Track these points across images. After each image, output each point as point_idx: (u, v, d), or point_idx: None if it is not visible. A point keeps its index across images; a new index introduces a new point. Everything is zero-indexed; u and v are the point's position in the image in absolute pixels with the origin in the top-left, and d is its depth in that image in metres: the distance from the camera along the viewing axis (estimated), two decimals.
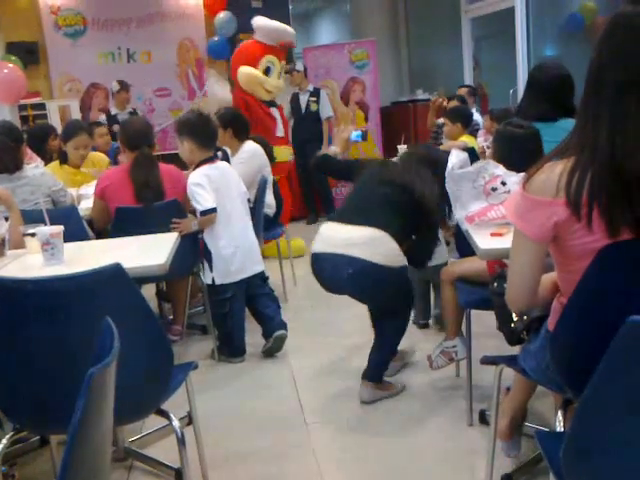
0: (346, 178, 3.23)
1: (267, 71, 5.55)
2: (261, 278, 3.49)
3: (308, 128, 6.93)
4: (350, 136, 3.22)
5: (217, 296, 3.34)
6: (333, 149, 3.15)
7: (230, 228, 3.28)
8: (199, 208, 3.17)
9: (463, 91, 6.11)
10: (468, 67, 7.71)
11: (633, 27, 1.33)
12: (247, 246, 3.36)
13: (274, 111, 5.69)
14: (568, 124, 2.16)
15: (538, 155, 2.34)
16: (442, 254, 3.20)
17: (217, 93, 7.14)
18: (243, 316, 3.44)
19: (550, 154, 1.42)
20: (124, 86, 6.57)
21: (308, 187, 7.09)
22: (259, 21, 5.69)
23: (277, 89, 5.64)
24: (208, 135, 3.29)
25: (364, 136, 3.34)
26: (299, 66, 7.05)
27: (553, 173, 1.36)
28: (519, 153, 2.33)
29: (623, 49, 1.34)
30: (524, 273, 1.50)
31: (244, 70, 5.49)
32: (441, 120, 5.87)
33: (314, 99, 6.99)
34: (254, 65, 5.51)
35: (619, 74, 1.33)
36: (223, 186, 3.26)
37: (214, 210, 3.17)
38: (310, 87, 6.99)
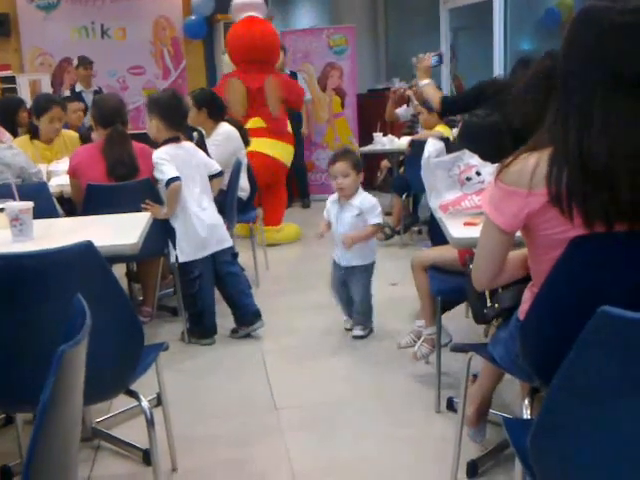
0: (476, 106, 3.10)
1: None
2: (231, 254, 3.49)
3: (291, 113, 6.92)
4: (431, 63, 3.43)
5: (185, 276, 3.33)
6: (424, 82, 3.44)
7: (190, 207, 3.26)
8: (163, 178, 3.16)
9: None
10: (445, 58, 7.71)
11: (597, 24, 1.33)
12: (209, 224, 3.33)
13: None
14: None
15: (503, 144, 2.37)
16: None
17: None
18: (213, 296, 3.43)
19: (524, 147, 1.43)
20: (82, 62, 6.38)
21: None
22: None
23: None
24: (177, 116, 3.27)
25: (441, 59, 3.56)
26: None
27: (527, 164, 1.38)
28: (484, 143, 2.35)
29: (588, 47, 1.34)
30: (489, 258, 1.54)
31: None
32: (416, 106, 5.89)
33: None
34: None
35: (585, 73, 1.34)
36: (185, 166, 3.24)
37: (178, 179, 3.15)
38: (287, 70, 6.94)
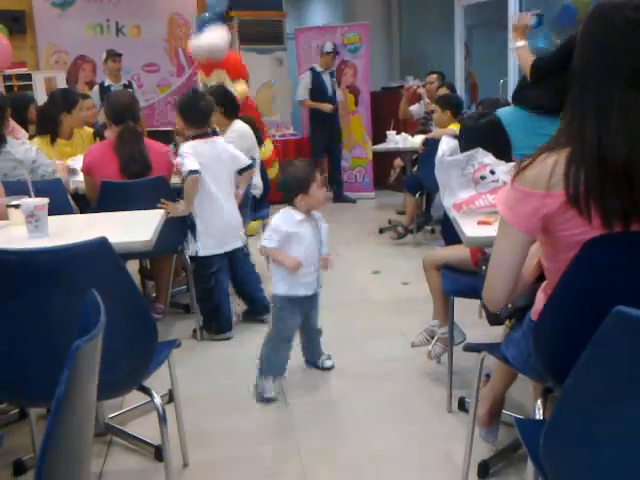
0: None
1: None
2: (244, 254, 3.54)
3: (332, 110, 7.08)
4: (531, 22, 3.26)
5: (203, 270, 3.37)
6: (519, 44, 3.19)
7: (213, 202, 3.31)
8: (184, 170, 3.20)
9: (433, 77, 6.12)
10: (459, 55, 7.69)
11: (611, 21, 1.33)
12: (230, 221, 3.40)
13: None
14: None
15: (502, 143, 2.37)
16: None
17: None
18: (228, 292, 3.47)
19: (542, 148, 1.42)
20: (110, 54, 6.40)
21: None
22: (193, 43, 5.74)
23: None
24: (196, 114, 3.31)
25: (541, 21, 3.39)
26: (328, 47, 7.07)
27: (545, 166, 1.36)
28: (484, 143, 2.35)
29: (603, 45, 1.33)
30: (506, 265, 1.48)
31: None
32: (427, 104, 5.88)
33: (334, 80, 7.19)
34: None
35: (601, 71, 1.33)
36: (209, 161, 3.27)
37: (197, 172, 3.19)
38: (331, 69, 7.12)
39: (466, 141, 2.42)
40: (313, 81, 7.07)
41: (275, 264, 2.72)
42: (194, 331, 3.44)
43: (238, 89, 5.41)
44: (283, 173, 2.74)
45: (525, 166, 1.40)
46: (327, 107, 7.04)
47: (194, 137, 3.30)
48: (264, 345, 2.78)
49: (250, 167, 3.53)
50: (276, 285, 2.73)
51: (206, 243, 3.33)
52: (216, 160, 3.31)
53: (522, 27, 3.26)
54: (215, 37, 5.67)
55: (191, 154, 3.21)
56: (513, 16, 3.38)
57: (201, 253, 3.33)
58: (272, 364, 2.75)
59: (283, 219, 2.68)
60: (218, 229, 3.35)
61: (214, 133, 3.96)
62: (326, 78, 7.10)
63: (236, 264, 3.48)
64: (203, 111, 3.34)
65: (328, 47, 7.09)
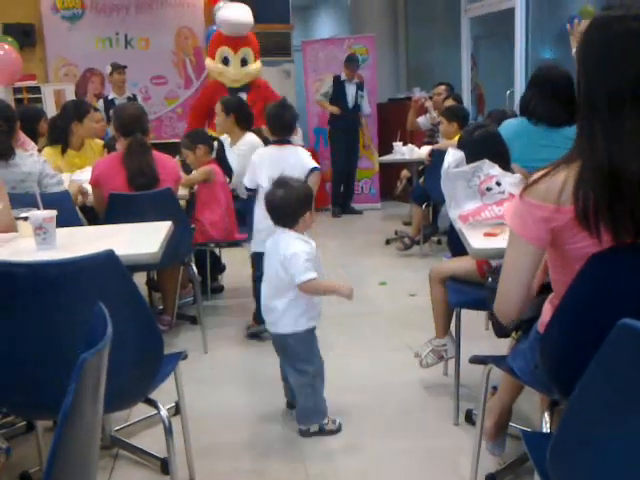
0: None
1: (226, 61, 5.98)
2: None
3: (352, 121, 7.17)
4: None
5: (254, 265, 3.48)
6: None
7: None
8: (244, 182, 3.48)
9: (441, 89, 6.14)
10: (466, 66, 7.71)
11: (613, 32, 1.32)
12: None
13: (243, 95, 5.74)
14: (570, 132, 2.18)
15: (497, 154, 2.39)
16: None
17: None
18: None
19: (554, 163, 1.41)
20: (115, 67, 6.49)
21: (339, 179, 7.34)
22: (219, 10, 6.01)
23: (235, 81, 5.98)
24: (279, 124, 3.48)
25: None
26: (348, 56, 7.13)
27: (555, 181, 1.36)
28: (478, 155, 2.36)
29: (607, 57, 1.32)
30: (516, 277, 1.49)
31: (207, 62, 6.25)
32: (435, 117, 5.89)
33: (362, 93, 7.19)
34: (213, 56, 6.08)
35: (606, 84, 1.32)
36: (272, 165, 3.33)
37: (250, 190, 3.43)
38: (356, 80, 7.11)
39: (465, 153, 2.45)
40: (334, 88, 7.08)
41: (303, 297, 2.45)
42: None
43: (258, 67, 5.96)
44: (280, 194, 2.46)
45: (535, 181, 1.40)
46: (333, 109, 7.08)
47: (271, 142, 3.53)
48: (305, 396, 2.51)
49: (316, 169, 3.54)
50: (296, 322, 2.46)
51: (257, 242, 3.39)
52: (279, 164, 3.35)
53: (580, 32, 3.29)
54: (242, 12, 5.93)
55: (253, 163, 3.41)
56: (568, 25, 3.38)
57: (252, 249, 3.45)
58: (320, 407, 2.54)
59: (302, 246, 2.43)
60: (266, 231, 3.35)
61: (221, 144, 4.01)
62: (350, 88, 7.09)
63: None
64: (287, 122, 3.50)
65: (348, 57, 7.13)
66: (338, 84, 7.09)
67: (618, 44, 1.31)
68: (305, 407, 2.53)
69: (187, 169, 3.89)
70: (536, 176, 1.41)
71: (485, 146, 2.46)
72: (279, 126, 3.48)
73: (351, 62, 7.08)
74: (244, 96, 5.75)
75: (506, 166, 2.39)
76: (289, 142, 3.59)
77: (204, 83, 7.71)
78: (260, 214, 3.25)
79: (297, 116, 3.58)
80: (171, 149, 3.63)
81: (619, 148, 1.30)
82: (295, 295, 2.44)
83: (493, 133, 2.56)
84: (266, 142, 4.36)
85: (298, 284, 2.39)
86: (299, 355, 2.50)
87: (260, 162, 3.37)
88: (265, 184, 3.22)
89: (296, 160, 3.42)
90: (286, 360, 2.56)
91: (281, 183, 2.51)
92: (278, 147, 3.44)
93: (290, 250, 2.41)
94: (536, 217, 1.39)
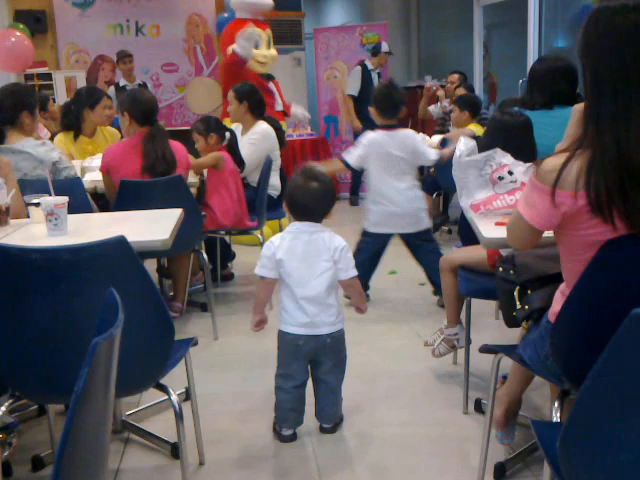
0: None
1: (255, 45, 5.63)
2: (424, 239, 3.77)
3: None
4: None
5: (367, 238, 3.70)
6: None
7: (380, 186, 3.60)
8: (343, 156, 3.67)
9: (455, 77, 6.08)
10: (478, 55, 7.65)
11: (614, 25, 1.33)
12: (396, 210, 3.61)
13: (271, 85, 5.66)
14: (566, 112, 2.16)
15: (527, 143, 2.36)
16: None
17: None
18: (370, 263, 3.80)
19: (563, 148, 1.41)
20: (121, 57, 6.54)
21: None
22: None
23: (269, 59, 5.69)
24: (386, 104, 3.56)
25: None
26: (384, 47, 7.02)
27: (570, 169, 1.36)
28: (513, 141, 2.33)
29: (610, 49, 1.33)
30: (519, 241, 1.63)
31: (233, 47, 5.49)
32: (446, 106, 5.86)
33: (382, 81, 7.10)
34: (231, 43, 5.61)
35: (611, 74, 1.33)
36: (381, 149, 3.53)
37: (348, 165, 3.63)
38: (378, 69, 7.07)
39: (498, 137, 2.38)
40: (363, 78, 6.93)
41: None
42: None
43: (273, 53, 5.76)
44: (315, 187, 2.31)
45: (547, 165, 1.40)
46: (356, 126, 6.83)
47: (381, 127, 3.56)
48: (339, 396, 2.46)
49: (347, 165, 3.68)
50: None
51: (370, 221, 3.67)
52: (389, 148, 3.53)
53: None
54: None
55: (362, 144, 3.55)
56: None
57: (365, 227, 3.69)
58: (341, 402, 2.53)
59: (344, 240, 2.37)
60: (377, 211, 3.63)
61: (233, 135, 3.99)
62: (375, 77, 7.00)
63: (412, 248, 3.80)
64: (395, 102, 3.56)
65: (385, 47, 6.98)
66: (366, 73, 6.94)
67: (622, 38, 1.32)
68: (338, 408, 2.47)
69: (195, 154, 3.87)
70: (545, 160, 1.41)
71: (525, 135, 2.41)
72: (387, 107, 3.52)
73: (388, 54, 6.95)
74: (272, 86, 5.65)
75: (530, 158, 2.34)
76: (399, 126, 3.64)
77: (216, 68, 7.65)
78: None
79: (404, 99, 3.66)
80: (182, 136, 3.62)
81: (626, 134, 1.31)
82: (336, 289, 2.36)
83: (531, 124, 2.48)
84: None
85: (348, 278, 2.30)
86: (343, 351, 2.42)
87: (370, 146, 3.50)
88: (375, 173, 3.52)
89: (407, 148, 3.53)
90: (326, 364, 2.38)
91: (311, 175, 2.33)
92: (387, 132, 3.50)
93: (341, 242, 2.30)
94: (546, 202, 1.39)
